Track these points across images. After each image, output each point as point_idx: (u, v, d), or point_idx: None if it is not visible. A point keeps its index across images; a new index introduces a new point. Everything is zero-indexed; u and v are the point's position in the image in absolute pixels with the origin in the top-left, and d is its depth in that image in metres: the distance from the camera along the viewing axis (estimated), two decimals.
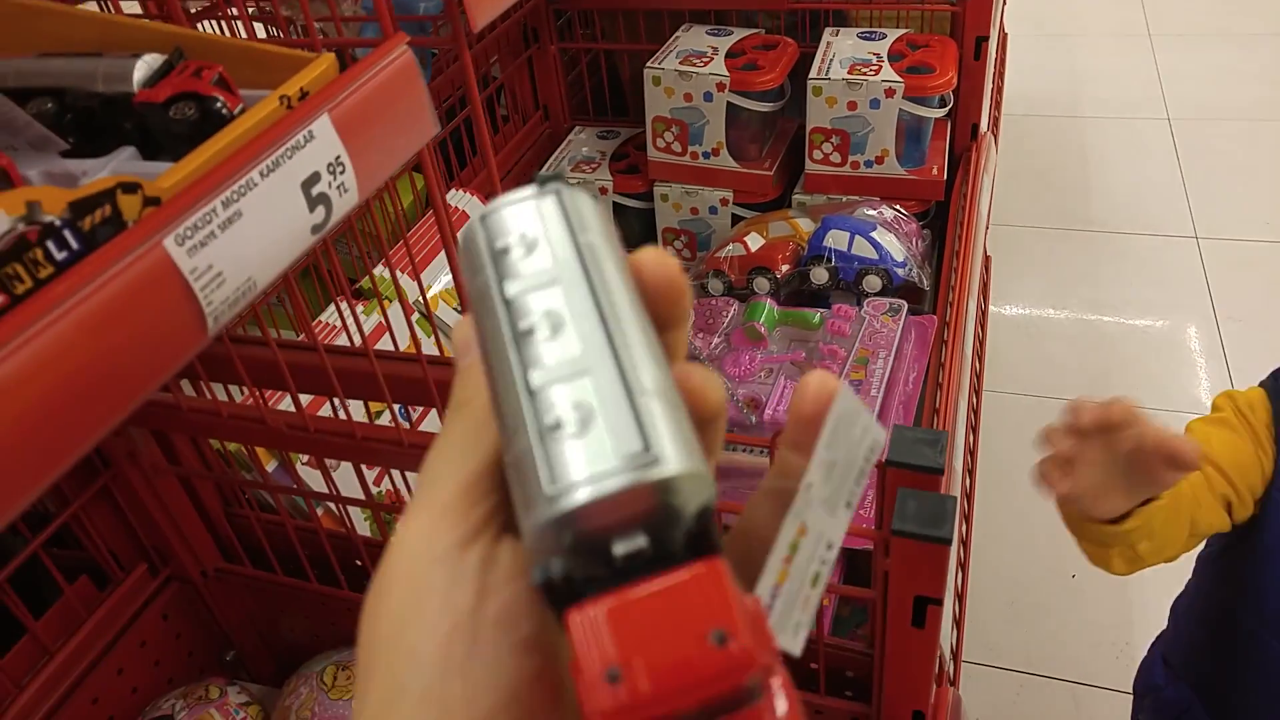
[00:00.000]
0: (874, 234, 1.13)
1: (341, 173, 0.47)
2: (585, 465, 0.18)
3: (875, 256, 1.13)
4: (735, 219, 1.34)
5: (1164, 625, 0.93)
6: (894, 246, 1.14)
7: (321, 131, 0.45)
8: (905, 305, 1.09)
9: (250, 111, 0.45)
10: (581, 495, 0.17)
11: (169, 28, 0.51)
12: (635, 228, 1.41)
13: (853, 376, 0.98)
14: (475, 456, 0.24)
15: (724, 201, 1.34)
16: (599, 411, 0.18)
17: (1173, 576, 0.87)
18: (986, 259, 1.70)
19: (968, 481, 1.23)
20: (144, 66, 0.47)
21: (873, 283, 1.13)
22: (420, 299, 1.08)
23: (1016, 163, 2.44)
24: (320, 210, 0.46)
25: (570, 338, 0.19)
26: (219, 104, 0.45)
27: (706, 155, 1.31)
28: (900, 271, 1.13)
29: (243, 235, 0.40)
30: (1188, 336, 1.89)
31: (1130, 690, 0.94)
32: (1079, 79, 2.83)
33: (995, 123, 1.79)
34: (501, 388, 0.20)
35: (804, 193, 1.31)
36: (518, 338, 0.20)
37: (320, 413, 0.89)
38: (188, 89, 0.45)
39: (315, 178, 0.45)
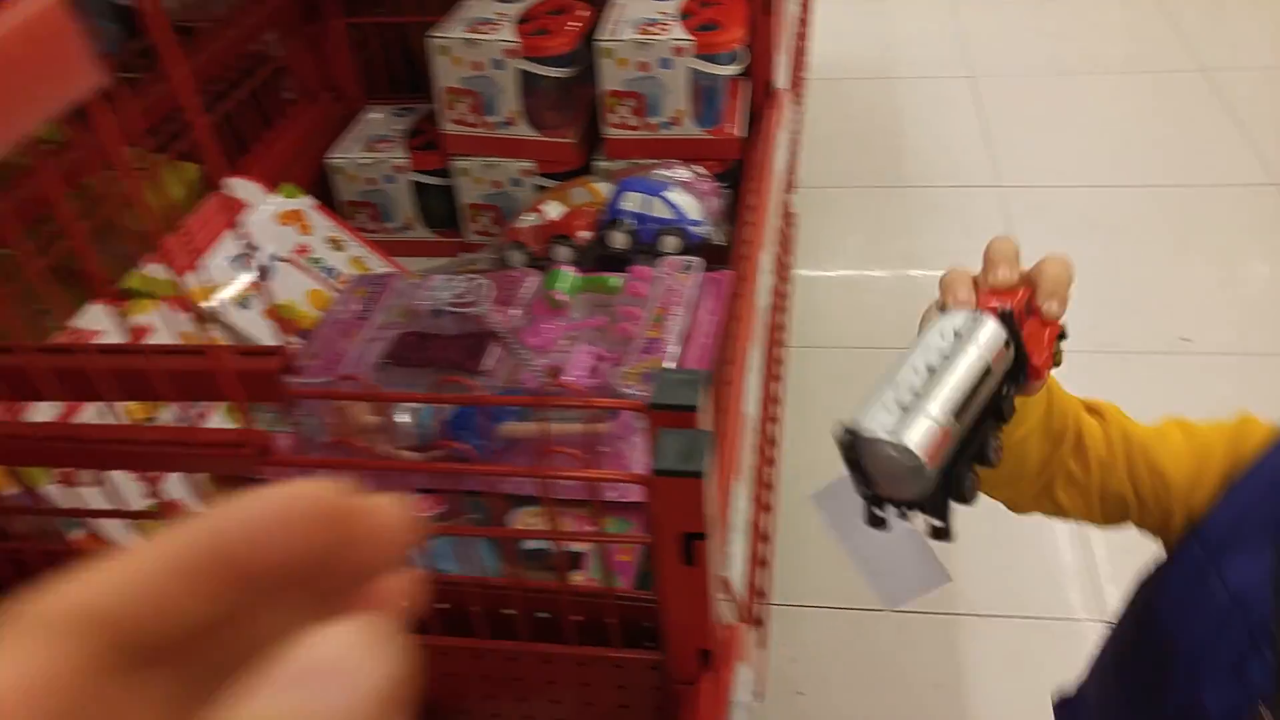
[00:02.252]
0: (669, 194, 1.13)
1: None
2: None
3: (672, 216, 1.13)
4: (540, 190, 1.32)
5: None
6: (690, 206, 1.14)
7: None
8: (701, 261, 1.10)
9: None
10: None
11: None
12: (438, 206, 1.37)
13: (650, 334, 0.97)
14: None
15: (526, 173, 1.31)
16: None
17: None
18: (790, 215, 1.73)
19: (771, 426, 1.25)
20: None
21: (671, 243, 1.13)
22: (194, 292, 1.00)
23: (834, 126, 2.52)
24: None
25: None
26: None
27: (503, 125, 1.28)
28: (697, 230, 1.14)
29: None
30: None
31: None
32: (889, 43, 2.95)
33: (798, 83, 1.84)
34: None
35: (605, 158, 1.30)
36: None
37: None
38: None
39: None
